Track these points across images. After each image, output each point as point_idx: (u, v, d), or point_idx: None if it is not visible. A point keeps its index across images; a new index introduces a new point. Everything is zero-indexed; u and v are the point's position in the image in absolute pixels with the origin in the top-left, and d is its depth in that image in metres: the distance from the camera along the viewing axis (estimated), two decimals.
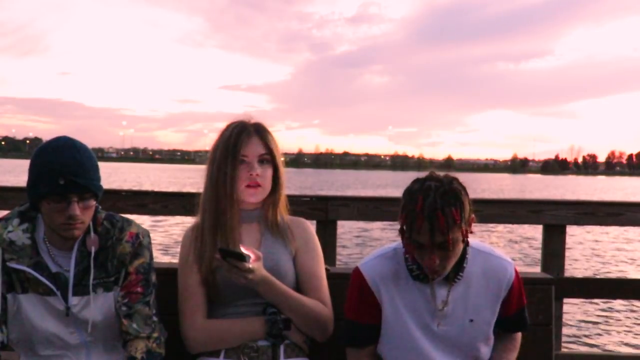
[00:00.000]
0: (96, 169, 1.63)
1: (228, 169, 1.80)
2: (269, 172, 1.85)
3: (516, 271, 1.83)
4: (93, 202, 1.63)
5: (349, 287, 1.81)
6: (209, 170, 1.85)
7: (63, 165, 1.55)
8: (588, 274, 10.89)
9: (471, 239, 1.74)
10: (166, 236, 13.60)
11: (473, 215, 1.66)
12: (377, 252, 1.83)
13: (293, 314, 1.79)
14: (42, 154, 1.59)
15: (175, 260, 1.94)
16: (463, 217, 1.59)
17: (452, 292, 1.73)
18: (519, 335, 1.89)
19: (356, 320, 1.78)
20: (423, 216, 1.55)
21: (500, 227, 16.79)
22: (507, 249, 13.49)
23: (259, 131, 1.86)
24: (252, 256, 1.68)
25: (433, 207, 1.55)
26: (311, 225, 1.98)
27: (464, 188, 1.64)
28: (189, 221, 1.94)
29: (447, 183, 1.60)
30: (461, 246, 1.65)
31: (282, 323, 1.76)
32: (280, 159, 1.89)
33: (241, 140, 1.81)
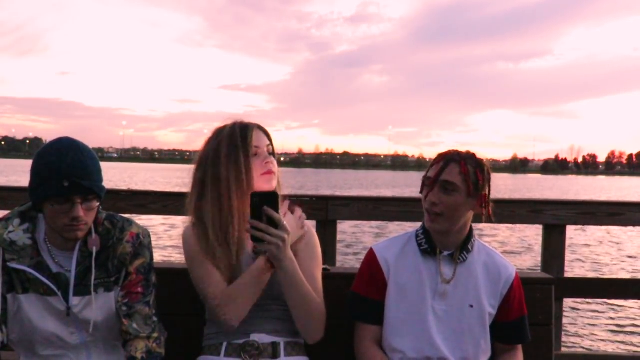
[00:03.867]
0: (99, 171, 1.63)
1: (241, 162, 1.77)
2: (275, 162, 1.87)
3: (517, 276, 1.89)
4: (96, 204, 1.63)
5: (361, 265, 1.92)
6: (209, 172, 1.79)
7: (67, 168, 1.54)
8: (588, 274, 10.88)
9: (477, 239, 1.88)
10: (166, 236, 13.59)
11: (489, 199, 1.81)
12: (392, 236, 1.96)
13: (303, 303, 1.74)
14: (45, 156, 1.58)
15: (175, 260, 1.93)
16: (476, 181, 1.75)
17: (456, 271, 1.81)
18: (520, 355, 1.90)
19: (362, 294, 1.87)
20: (444, 157, 1.80)
21: (500, 227, 16.79)
22: (507, 250, 13.48)
23: (259, 126, 1.88)
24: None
25: (456, 155, 1.79)
26: (312, 228, 1.97)
27: (490, 173, 1.82)
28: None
29: (479, 158, 1.81)
30: (463, 214, 1.78)
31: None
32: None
33: (250, 133, 1.82)
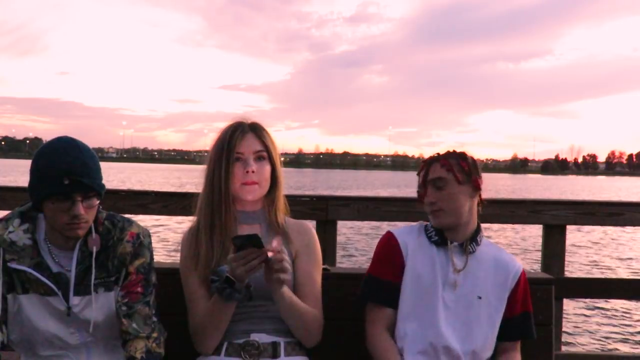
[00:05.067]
0: (98, 169, 1.64)
1: (222, 167, 1.78)
2: (266, 168, 1.82)
3: (524, 272, 1.92)
4: (96, 202, 1.63)
5: (377, 248, 1.93)
6: (206, 171, 1.84)
7: (67, 165, 1.55)
8: (588, 274, 10.88)
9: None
10: (166, 236, 13.59)
11: (481, 186, 1.85)
12: (405, 225, 2.00)
13: (298, 321, 1.76)
14: (45, 155, 1.58)
15: (176, 260, 1.94)
16: (461, 169, 1.83)
17: (467, 261, 1.84)
18: (519, 356, 1.90)
19: (379, 276, 1.88)
20: (425, 161, 1.90)
21: (500, 227, 16.79)
22: (506, 249, 13.47)
23: (254, 129, 1.84)
24: (275, 243, 1.60)
25: (435, 155, 1.88)
26: (314, 229, 1.95)
27: (475, 161, 1.88)
28: (189, 221, 1.93)
29: (460, 151, 1.88)
30: (462, 203, 1.82)
31: (222, 283, 1.64)
32: (278, 157, 1.87)
33: (235, 138, 1.79)
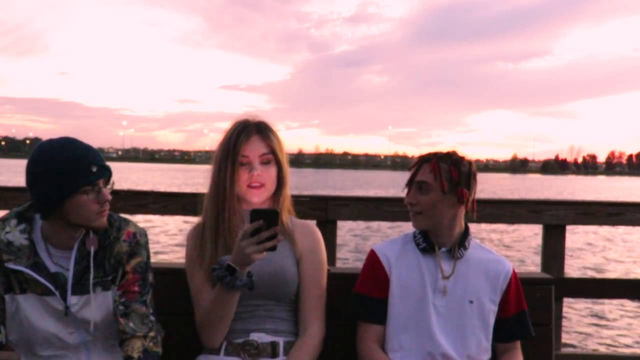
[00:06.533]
0: None
1: (227, 170, 1.79)
2: (272, 171, 1.83)
3: (515, 272, 1.91)
4: (111, 185, 1.66)
5: (363, 266, 1.93)
6: (212, 171, 1.85)
7: (89, 155, 1.59)
8: (588, 274, 10.89)
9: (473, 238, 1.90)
10: (166, 236, 13.58)
11: (470, 196, 1.82)
12: (389, 239, 2.00)
13: None
14: (59, 152, 1.57)
15: (176, 260, 1.94)
16: (450, 178, 1.78)
17: (456, 267, 1.83)
18: (520, 356, 1.89)
19: (366, 293, 1.87)
20: (419, 158, 1.87)
21: (501, 227, 16.80)
22: (507, 250, 13.48)
23: (261, 130, 1.83)
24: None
25: (431, 155, 1.85)
26: (319, 231, 1.94)
27: (472, 168, 1.83)
28: (189, 221, 1.93)
29: (459, 155, 1.84)
30: (443, 211, 1.81)
31: (222, 271, 1.64)
32: (285, 158, 1.87)
33: (241, 140, 1.79)
